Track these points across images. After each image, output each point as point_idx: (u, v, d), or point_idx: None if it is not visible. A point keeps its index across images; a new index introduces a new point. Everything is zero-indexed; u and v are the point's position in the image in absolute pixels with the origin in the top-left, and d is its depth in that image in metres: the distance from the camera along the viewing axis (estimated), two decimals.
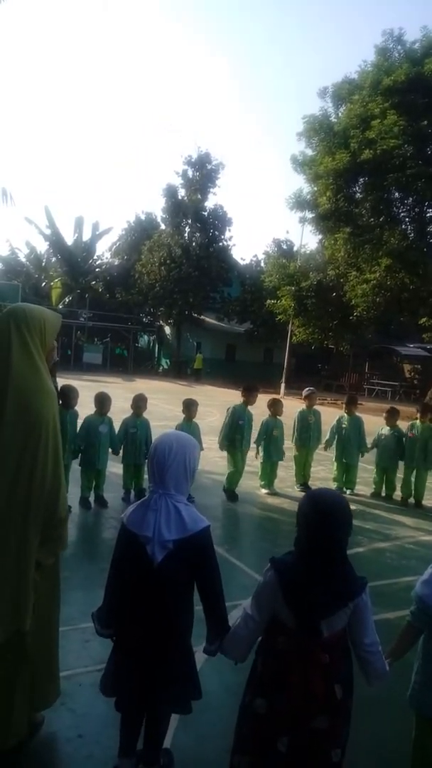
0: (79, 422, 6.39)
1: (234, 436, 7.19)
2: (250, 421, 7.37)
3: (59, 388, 6.44)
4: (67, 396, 6.13)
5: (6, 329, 2.41)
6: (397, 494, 8.00)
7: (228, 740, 2.20)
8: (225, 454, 7.43)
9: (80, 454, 6.33)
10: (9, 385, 2.33)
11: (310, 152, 20.84)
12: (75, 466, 6.38)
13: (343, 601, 1.96)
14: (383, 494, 8.04)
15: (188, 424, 6.91)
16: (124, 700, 2.34)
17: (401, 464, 7.97)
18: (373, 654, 2.06)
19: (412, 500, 7.86)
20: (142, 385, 22.53)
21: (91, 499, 6.46)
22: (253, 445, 7.73)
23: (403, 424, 8.21)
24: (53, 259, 35.69)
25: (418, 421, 7.82)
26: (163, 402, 16.04)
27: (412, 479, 7.86)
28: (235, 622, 2.19)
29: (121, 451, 6.67)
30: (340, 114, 20.09)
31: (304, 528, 1.98)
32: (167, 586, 2.20)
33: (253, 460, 7.90)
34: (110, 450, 6.56)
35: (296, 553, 2.03)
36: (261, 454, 7.61)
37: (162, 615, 2.22)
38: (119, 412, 6.99)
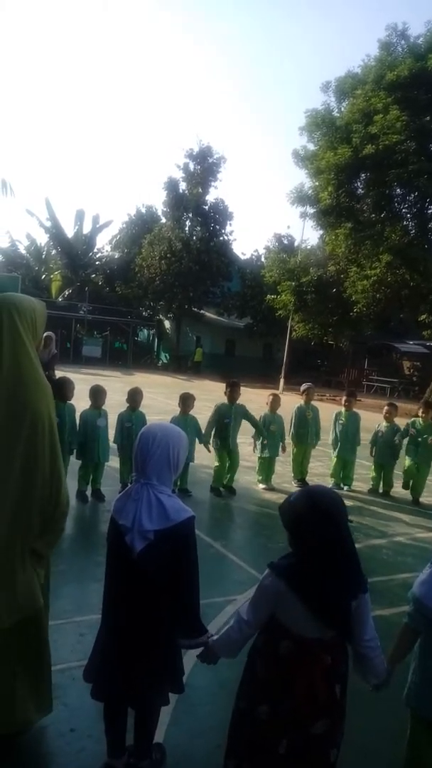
0: (77, 416, 6.38)
1: (223, 435, 7.15)
2: (238, 418, 7.30)
3: (57, 380, 6.43)
4: (64, 388, 6.10)
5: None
6: (395, 491, 8.00)
7: (220, 735, 2.19)
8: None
9: (78, 449, 6.32)
10: (1, 375, 2.30)
11: (312, 147, 20.74)
12: (73, 460, 6.37)
13: (351, 596, 1.95)
14: (380, 491, 8.04)
15: (184, 418, 6.90)
16: (102, 686, 2.33)
17: (398, 461, 7.98)
18: (373, 650, 2.05)
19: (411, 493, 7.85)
20: (141, 378, 22.52)
21: (88, 492, 6.46)
22: (250, 440, 7.73)
23: (401, 421, 8.20)
24: (53, 252, 35.56)
25: (419, 419, 7.81)
26: (161, 396, 16.04)
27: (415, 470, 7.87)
28: (230, 625, 2.18)
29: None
30: (342, 109, 19.96)
31: (307, 528, 1.92)
32: (148, 577, 2.18)
33: (251, 455, 7.89)
34: (111, 443, 6.58)
35: (301, 554, 1.96)
36: (258, 449, 7.60)
37: (144, 606, 2.21)
38: (117, 406, 6.98)
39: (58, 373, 8.37)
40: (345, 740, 2.13)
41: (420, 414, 7.87)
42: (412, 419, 8.00)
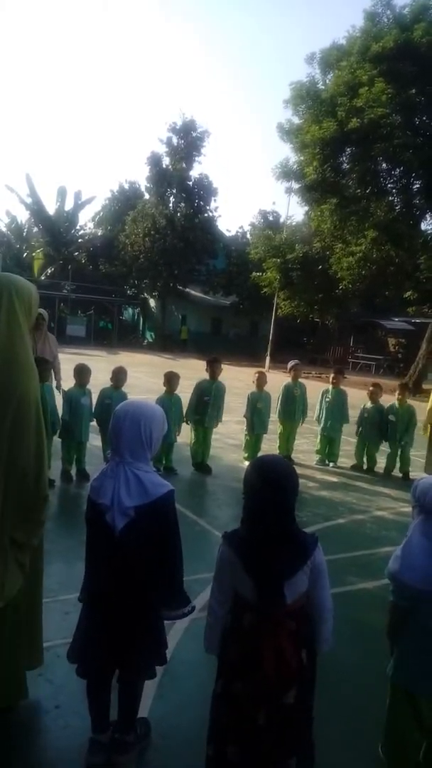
0: (59, 398, 6.33)
1: (199, 412, 7.11)
2: (219, 395, 7.25)
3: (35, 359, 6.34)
4: (43, 369, 6.02)
5: None
6: (380, 467, 8.07)
7: (205, 709, 2.20)
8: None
9: (62, 427, 6.27)
10: None
11: (296, 120, 20.41)
12: (55, 439, 6.32)
13: (300, 560, 1.96)
14: (365, 467, 8.10)
15: (169, 397, 6.86)
16: (88, 664, 2.34)
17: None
18: (327, 621, 2.09)
19: (398, 473, 7.91)
20: (126, 358, 22.38)
21: (73, 472, 6.44)
22: (233, 417, 7.72)
23: (386, 399, 8.24)
24: (35, 229, 34.94)
25: (396, 403, 7.84)
26: (146, 375, 15.95)
27: (398, 453, 7.92)
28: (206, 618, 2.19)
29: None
30: (327, 81, 19.62)
31: (251, 495, 1.99)
32: (131, 555, 2.18)
33: (237, 433, 7.90)
34: (94, 420, 6.54)
35: (246, 520, 2.02)
36: (247, 426, 7.61)
37: (128, 582, 2.21)
38: (102, 386, 6.92)
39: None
40: (327, 712, 2.15)
41: (397, 397, 7.90)
42: (389, 404, 7.99)
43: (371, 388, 8.17)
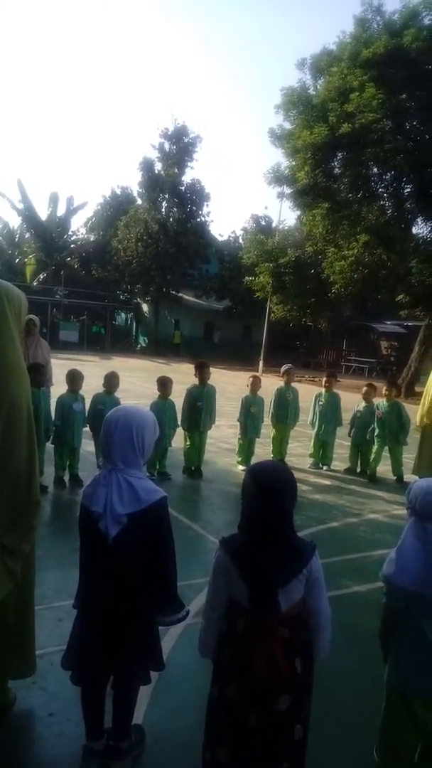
0: (53, 401, 6.30)
1: (193, 417, 7.12)
2: (210, 400, 7.25)
3: (31, 364, 6.32)
4: (38, 373, 6.02)
5: None
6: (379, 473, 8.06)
7: (200, 714, 2.20)
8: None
9: (54, 433, 6.26)
10: None
11: (288, 125, 20.54)
12: (48, 445, 6.31)
13: (296, 568, 1.95)
14: (358, 470, 8.11)
15: (163, 402, 6.86)
16: (82, 671, 2.33)
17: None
18: (325, 629, 2.07)
19: (394, 477, 7.85)
20: (120, 363, 22.35)
21: (66, 478, 6.41)
22: (226, 421, 7.72)
23: (378, 401, 8.25)
24: (27, 235, 34.91)
25: (384, 400, 7.84)
26: (140, 380, 15.93)
27: (385, 455, 7.89)
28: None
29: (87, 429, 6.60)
30: (318, 86, 19.77)
31: (248, 502, 1.98)
32: (124, 563, 2.17)
33: (230, 437, 7.90)
34: (87, 426, 6.52)
35: (242, 526, 2.02)
36: (241, 431, 7.61)
37: (122, 589, 2.20)
38: (95, 391, 6.91)
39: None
40: (321, 716, 2.15)
41: (384, 393, 7.89)
42: (377, 402, 7.96)
43: (365, 389, 8.16)
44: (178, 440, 7.32)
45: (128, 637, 2.24)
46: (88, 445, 6.79)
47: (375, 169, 19.59)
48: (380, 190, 20.37)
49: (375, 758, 2.52)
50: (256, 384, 7.64)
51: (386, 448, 7.83)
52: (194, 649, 2.20)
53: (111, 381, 6.70)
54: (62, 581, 3.97)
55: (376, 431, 7.73)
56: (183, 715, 2.75)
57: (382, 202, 20.04)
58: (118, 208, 34.21)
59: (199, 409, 7.10)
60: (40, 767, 2.39)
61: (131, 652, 2.27)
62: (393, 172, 19.00)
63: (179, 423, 7.11)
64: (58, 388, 6.66)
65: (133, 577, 2.20)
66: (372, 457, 7.89)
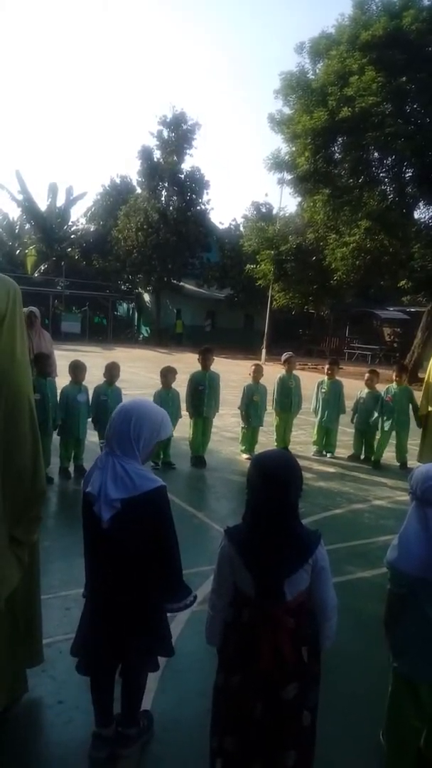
0: (58, 392, 6.33)
1: (196, 403, 7.15)
2: (214, 385, 7.25)
3: (36, 355, 6.33)
4: (44, 364, 6.03)
5: (4, 298, 2.35)
6: (384, 460, 8.06)
7: (207, 701, 2.22)
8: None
9: (59, 425, 6.28)
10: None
11: (287, 111, 20.32)
12: (54, 436, 6.33)
13: (302, 557, 1.95)
14: (362, 457, 8.12)
15: (166, 392, 6.87)
16: (90, 658, 2.36)
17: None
18: (330, 618, 2.07)
19: (399, 463, 7.84)
20: (122, 353, 22.35)
21: (71, 469, 6.45)
22: (235, 411, 7.71)
23: (382, 387, 8.24)
24: (27, 226, 34.74)
25: (394, 384, 7.82)
26: (143, 370, 15.95)
27: (392, 442, 7.87)
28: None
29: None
30: (317, 70, 19.52)
31: (253, 491, 1.99)
32: (120, 548, 2.19)
33: (234, 426, 7.91)
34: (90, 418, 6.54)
35: (247, 517, 2.03)
36: (244, 420, 7.61)
37: (120, 573, 2.22)
38: (98, 382, 6.92)
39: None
40: (329, 703, 2.16)
41: (394, 378, 7.89)
42: (387, 386, 7.94)
43: (367, 375, 8.14)
44: (183, 430, 7.34)
45: (134, 623, 2.26)
46: (92, 436, 6.82)
47: (376, 154, 19.39)
48: (381, 174, 20.18)
49: (381, 743, 2.55)
50: (258, 372, 7.63)
51: (393, 434, 7.80)
52: (201, 636, 2.22)
53: (111, 371, 6.70)
54: (68, 571, 4.00)
55: (385, 417, 7.70)
56: (191, 702, 2.78)
57: (383, 187, 19.84)
58: (117, 197, 33.97)
59: (201, 393, 7.11)
60: (50, 754, 2.42)
61: (138, 639, 2.29)
62: (394, 157, 18.80)
63: (184, 411, 7.11)
64: (61, 379, 6.67)
65: (130, 563, 2.21)
66: (378, 443, 7.89)
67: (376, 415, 7.77)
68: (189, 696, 2.84)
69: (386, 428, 7.74)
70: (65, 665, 2.89)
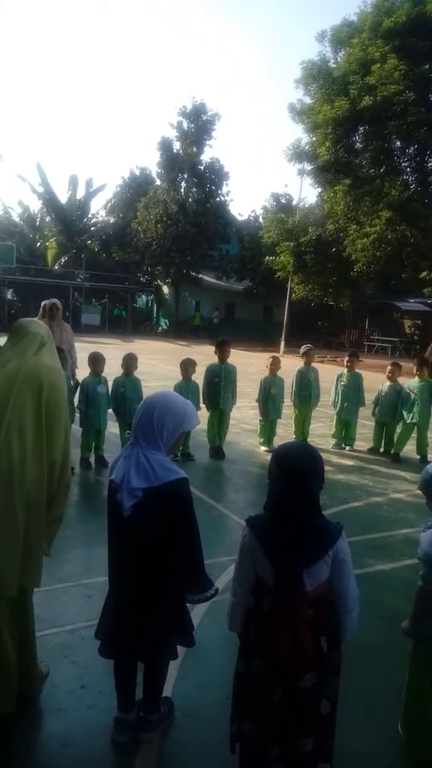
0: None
1: (212, 395, 7.17)
2: (230, 377, 7.25)
3: None
4: (60, 358, 6.09)
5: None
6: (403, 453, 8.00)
7: (227, 689, 2.26)
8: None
9: (80, 416, 6.36)
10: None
11: (308, 100, 20.11)
12: (74, 427, 6.41)
13: (322, 549, 1.96)
14: (381, 450, 8.08)
15: (186, 384, 6.90)
16: (111, 643, 2.41)
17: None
18: (352, 610, 2.06)
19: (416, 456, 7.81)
20: (141, 345, 22.45)
21: (92, 459, 6.53)
22: (248, 403, 7.71)
23: (403, 380, 8.17)
24: (47, 218, 34.94)
25: (416, 379, 7.76)
26: (162, 362, 16.02)
27: (413, 436, 7.82)
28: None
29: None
30: (339, 59, 19.27)
31: (274, 483, 2.01)
32: (141, 537, 2.23)
33: (252, 418, 7.92)
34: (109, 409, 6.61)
35: (268, 507, 2.04)
36: (262, 412, 7.62)
37: (141, 561, 2.26)
38: (117, 374, 6.98)
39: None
40: (349, 690, 2.18)
41: (415, 372, 7.81)
42: (408, 381, 7.87)
43: (389, 368, 8.07)
44: (202, 422, 7.36)
45: (154, 611, 2.30)
46: (113, 427, 6.89)
47: (398, 143, 19.11)
48: (403, 164, 19.88)
49: (400, 733, 2.56)
50: (275, 365, 7.62)
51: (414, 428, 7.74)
52: (221, 625, 2.25)
53: (129, 362, 6.74)
54: (90, 559, 4.07)
55: (406, 411, 7.65)
56: (211, 690, 2.82)
57: (405, 177, 19.54)
58: (137, 189, 33.98)
59: (217, 385, 7.13)
60: (73, 738, 2.48)
61: (158, 627, 2.33)
62: (416, 146, 18.51)
63: (201, 403, 7.14)
64: (82, 371, 6.74)
65: (150, 552, 2.24)
66: (399, 437, 7.85)
67: (400, 407, 7.72)
68: (209, 684, 2.88)
69: (408, 421, 7.69)
70: (87, 651, 2.95)
